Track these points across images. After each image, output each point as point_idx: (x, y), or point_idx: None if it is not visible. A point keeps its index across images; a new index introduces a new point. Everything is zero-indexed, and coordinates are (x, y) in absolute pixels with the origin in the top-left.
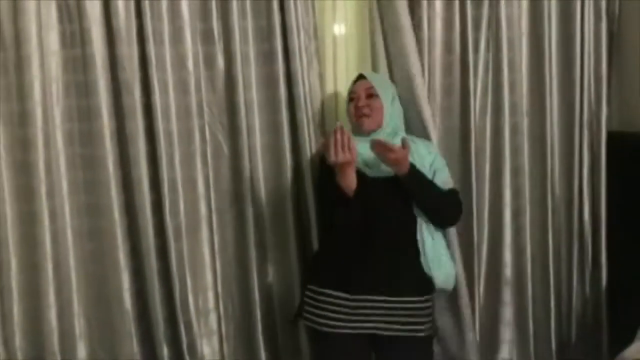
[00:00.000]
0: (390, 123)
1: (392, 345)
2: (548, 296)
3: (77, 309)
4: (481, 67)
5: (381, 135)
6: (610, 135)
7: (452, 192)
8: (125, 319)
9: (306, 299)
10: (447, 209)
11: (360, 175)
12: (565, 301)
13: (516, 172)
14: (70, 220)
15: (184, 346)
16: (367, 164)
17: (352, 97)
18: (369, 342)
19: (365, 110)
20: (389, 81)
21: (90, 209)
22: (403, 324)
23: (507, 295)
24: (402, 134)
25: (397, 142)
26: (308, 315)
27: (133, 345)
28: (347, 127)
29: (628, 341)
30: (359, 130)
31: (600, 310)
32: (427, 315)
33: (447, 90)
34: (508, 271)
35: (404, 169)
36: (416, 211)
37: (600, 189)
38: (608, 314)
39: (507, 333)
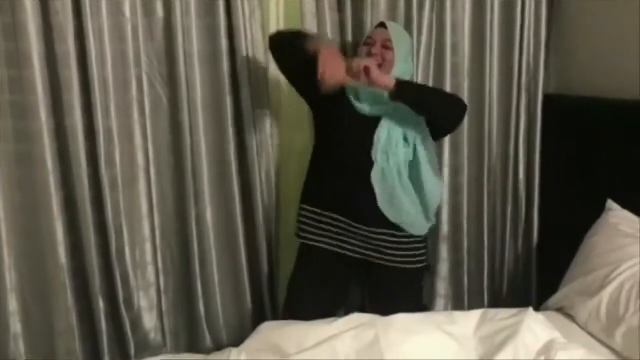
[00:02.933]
0: (402, 73)
1: (380, 272)
2: (482, 252)
3: (8, 262)
4: (425, 27)
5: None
6: (547, 98)
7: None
8: (59, 271)
9: (299, 217)
10: (449, 99)
11: (350, 108)
12: (499, 256)
13: (456, 131)
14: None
15: (120, 299)
16: (357, 96)
17: (368, 42)
18: (356, 264)
19: (377, 59)
20: (408, 36)
21: (22, 159)
22: (382, 253)
23: (444, 251)
24: None
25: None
26: (300, 233)
27: (67, 298)
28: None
29: (554, 292)
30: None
31: (530, 264)
32: (410, 250)
33: None
34: (446, 228)
35: (389, 85)
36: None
37: (535, 150)
38: (538, 268)
39: (442, 288)
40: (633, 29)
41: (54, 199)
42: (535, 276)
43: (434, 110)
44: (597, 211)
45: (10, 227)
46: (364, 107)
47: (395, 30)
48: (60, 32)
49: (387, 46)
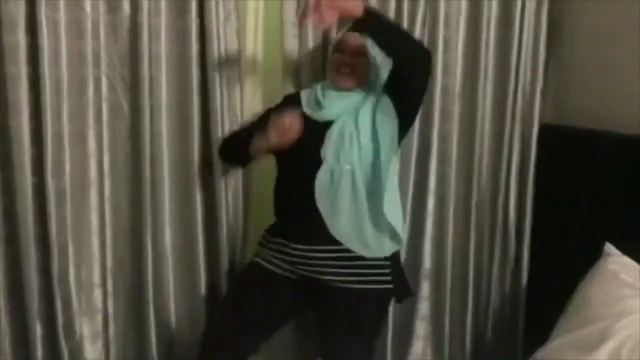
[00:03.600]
0: (372, 87)
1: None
2: (466, 291)
3: None
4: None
5: (356, 94)
6: (543, 128)
7: None
8: None
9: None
10: (416, 41)
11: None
12: (484, 297)
13: (443, 159)
14: None
15: (60, 324)
16: (320, 103)
17: (339, 48)
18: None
19: (348, 70)
20: None
21: None
22: (326, 274)
23: (425, 289)
24: (377, 89)
25: (366, 104)
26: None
27: (0, 320)
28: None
29: (543, 342)
30: (334, 83)
31: (518, 309)
32: (365, 267)
33: None
34: (427, 263)
35: (355, 9)
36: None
37: (528, 183)
38: (525, 313)
39: (422, 328)
40: (636, 59)
41: None
42: (523, 321)
43: (401, 47)
44: (594, 255)
45: None
46: (322, 113)
47: None
48: (9, 22)
49: (360, 52)
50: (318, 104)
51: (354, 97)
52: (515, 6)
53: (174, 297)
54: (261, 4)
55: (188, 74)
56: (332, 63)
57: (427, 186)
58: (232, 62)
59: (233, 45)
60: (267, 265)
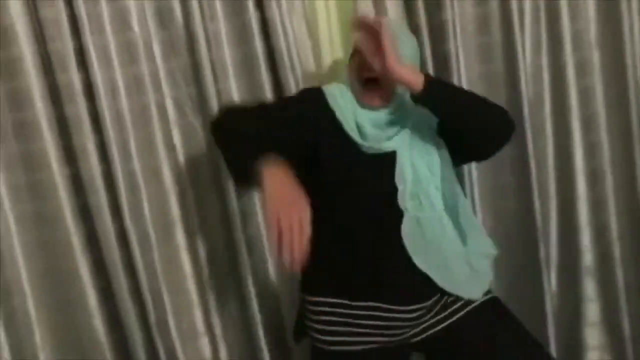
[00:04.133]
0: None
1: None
2: None
3: (40, 340)
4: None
5: (389, 110)
6: None
7: None
8: (97, 347)
9: (306, 313)
10: (492, 107)
11: (351, 147)
12: None
13: (588, 124)
14: (18, 234)
15: None
16: (361, 132)
17: (359, 49)
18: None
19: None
20: (414, 40)
21: (38, 218)
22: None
23: (590, 288)
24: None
25: (405, 120)
26: (323, 337)
27: None
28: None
29: None
30: (360, 98)
31: None
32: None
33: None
34: (588, 257)
35: (415, 83)
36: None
37: None
38: None
39: (593, 337)
40: None
41: (81, 264)
42: None
43: (476, 119)
44: None
45: (38, 299)
46: (374, 143)
47: (395, 27)
48: (59, 60)
49: None
50: (359, 131)
51: (402, 119)
52: None
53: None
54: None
55: (258, 78)
56: (354, 69)
57: (572, 161)
58: (305, 58)
59: (304, 38)
60: (354, 348)
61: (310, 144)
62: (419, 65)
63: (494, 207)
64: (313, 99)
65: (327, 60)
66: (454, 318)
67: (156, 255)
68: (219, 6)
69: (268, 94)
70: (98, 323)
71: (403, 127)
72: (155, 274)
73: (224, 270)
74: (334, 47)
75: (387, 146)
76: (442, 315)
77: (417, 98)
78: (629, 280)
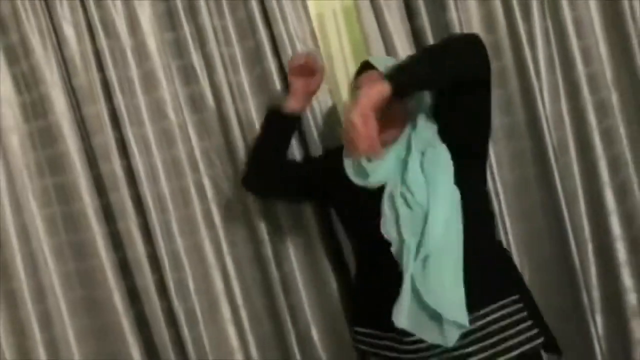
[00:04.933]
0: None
1: None
2: None
3: None
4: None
5: (399, 143)
6: None
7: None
8: None
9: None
10: (456, 49)
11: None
12: None
13: (615, 163)
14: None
15: None
16: (364, 174)
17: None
18: None
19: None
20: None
21: (87, 303)
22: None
23: (627, 278)
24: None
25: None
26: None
27: None
28: None
29: None
30: None
31: None
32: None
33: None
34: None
35: (383, 90)
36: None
37: None
38: None
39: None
40: None
41: (132, 347)
42: None
43: (451, 68)
44: None
45: None
46: (369, 181)
47: (389, 63)
48: (101, 151)
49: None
50: (362, 170)
51: (398, 149)
52: None
53: None
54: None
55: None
56: (348, 104)
57: (604, 202)
58: (328, 114)
59: (326, 99)
60: None
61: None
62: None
63: (529, 254)
64: (330, 152)
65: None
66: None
67: (203, 331)
68: (246, 85)
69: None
70: None
71: (403, 154)
72: (204, 348)
73: (269, 342)
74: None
75: (377, 180)
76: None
77: (397, 96)
78: None
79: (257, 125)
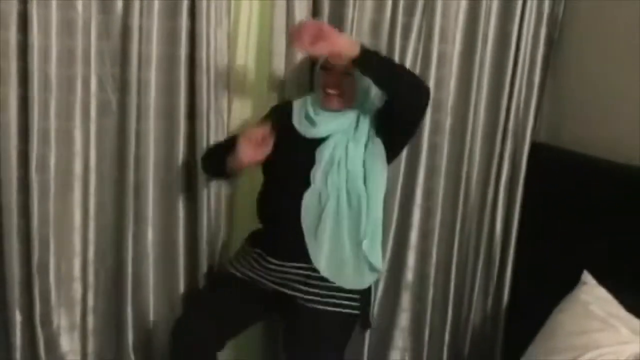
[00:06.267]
0: (361, 109)
1: (297, 313)
2: (447, 304)
3: None
4: (409, 55)
5: (347, 115)
6: (535, 147)
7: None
8: None
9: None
10: (414, 76)
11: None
12: (465, 312)
13: (431, 171)
14: None
15: (37, 315)
16: (312, 121)
17: (326, 66)
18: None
19: (334, 91)
20: None
21: None
22: (296, 289)
23: (406, 300)
24: (369, 112)
25: (363, 123)
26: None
27: None
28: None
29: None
30: (323, 104)
31: (497, 327)
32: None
33: None
34: (410, 275)
35: (350, 50)
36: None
37: (516, 201)
38: (504, 334)
39: (400, 339)
40: (636, 84)
41: None
42: (501, 342)
43: (399, 84)
44: (574, 280)
45: None
46: (314, 131)
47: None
48: (3, 19)
49: (348, 73)
50: (310, 121)
51: (346, 118)
52: (513, 22)
53: (153, 294)
54: (255, 9)
55: (176, 76)
56: (319, 81)
57: (413, 197)
58: (221, 67)
59: (223, 50)
60: (241, 275)
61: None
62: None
63: None
64: (278, 108)
65: (240, 70)
66: (306, 296)
67: (51, 205)
68: (156, 6)
69: (182, 91)
70: None
71: (350, 125)
72: (48, 221)
73: (108, 228)
74: (247, 59)
75: (321, 132)
76: (301, 287)
77: (356, 61)
78: (436, 298)
79: (155, 36)
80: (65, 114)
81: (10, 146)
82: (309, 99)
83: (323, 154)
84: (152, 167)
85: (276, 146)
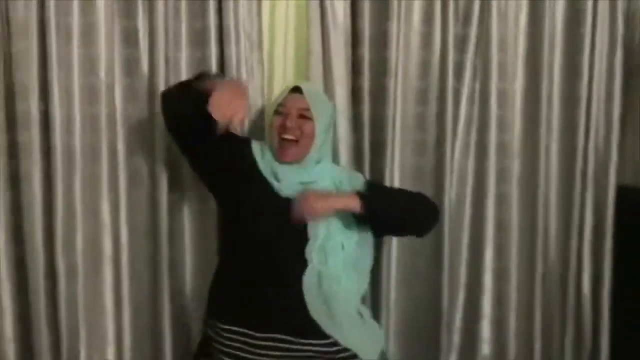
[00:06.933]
0: (319, 152)
1: None
2: None
3: None
4: (464, 96)
5: (305, 164)
6: (621, 190)
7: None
8: None
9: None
10: (420, 207)
11: (267, 188)
12: None
13: (500, 226)
14: None
15: None
16: (276, 176)
17: (280, 111)
18: None
19: (296, 134)
20: (328, 102)
21: None
22: None
23: None
24: (327, 162)
25: (320, 171)
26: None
27: None
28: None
29: None
30: (278, 153)
31: None
32: None
33: (419, 121)
34: (486, 348)
35: (353, 205)
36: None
37: (604, 255)
38: None
39: None
40: None
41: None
42: None
43: (406, 222)
44: None
45: None
46: (286, 188)
47: (314, 97)
48: (21, 90)
49: (304, 116)
50: (274, 175)
51: (312, 174)
52: (582, 50)
53: None
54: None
55: None
56: (275, 127)
57: (482, 257)
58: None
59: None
60: None
61: (223, 169)
62: (331, 127)
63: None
64: (241, 140)
65: None
66: None
67: (80, 288)
68: (183, 62)
69: None
70: (10, 349)
71: (321, 184)
72: (76, 306)
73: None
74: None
75: (287, 192)
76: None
77: (360, 217)
78: None
79: None
80: (92, 188)
81: (35, 224)
82: (267, 146)
83: (318, 231)
84: (189, 239)
85: (245, 198)
